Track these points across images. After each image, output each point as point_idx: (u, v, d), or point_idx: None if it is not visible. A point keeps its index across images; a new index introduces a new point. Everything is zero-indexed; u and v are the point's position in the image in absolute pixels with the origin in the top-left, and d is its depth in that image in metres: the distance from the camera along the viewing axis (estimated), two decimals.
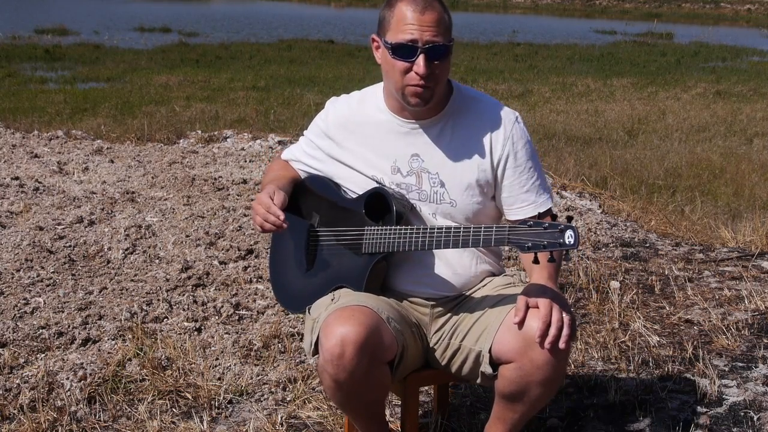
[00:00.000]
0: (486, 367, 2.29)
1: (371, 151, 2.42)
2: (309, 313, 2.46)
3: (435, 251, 2.39)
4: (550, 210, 2.41)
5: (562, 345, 2.13)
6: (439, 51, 2.22)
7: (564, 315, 2.14)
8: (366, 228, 2.36)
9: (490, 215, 2.44)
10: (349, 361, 2.14)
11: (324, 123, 2.51)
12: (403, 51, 2.23)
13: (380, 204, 2.36)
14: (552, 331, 2.12)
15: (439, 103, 2.36)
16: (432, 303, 2.45)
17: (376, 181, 2.41)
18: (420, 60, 2.22)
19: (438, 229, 2.23)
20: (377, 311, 2.25)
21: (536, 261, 2.09)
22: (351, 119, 2.46)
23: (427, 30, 2.21)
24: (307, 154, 2.57)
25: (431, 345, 2.45)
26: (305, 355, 3.36)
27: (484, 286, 2.47)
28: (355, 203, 2.42)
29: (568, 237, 2.03)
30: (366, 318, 2.19)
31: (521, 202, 2.39)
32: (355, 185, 2.44)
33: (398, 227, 2.30)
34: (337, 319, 2.18)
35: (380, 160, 2.41)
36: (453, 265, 2.41)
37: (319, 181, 2.55)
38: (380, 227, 2.33)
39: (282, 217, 2.33)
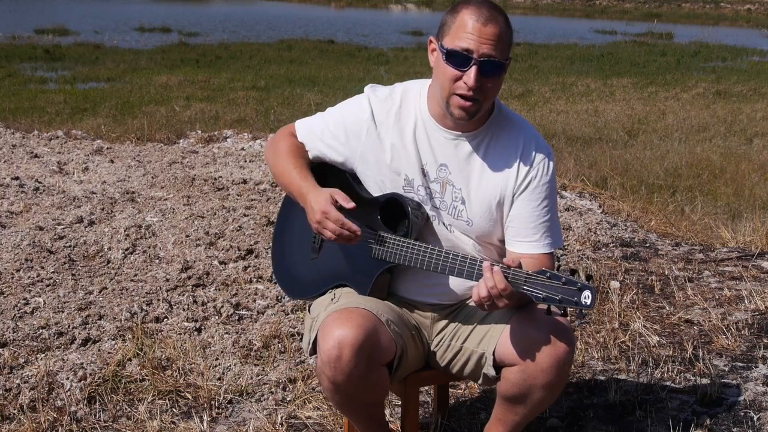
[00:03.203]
0: (489, 369, 2.28)
1: (404, 149, 2.36)
2: (309, 311, 2.46)
3: None
4: (552, 255, 2.35)
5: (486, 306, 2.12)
6: (493, 66, 2.16)
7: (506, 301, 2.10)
8: (379, 233, 2.33)
9: (503, 240, 2.40)
10: (347, 364, 2.14)
11: (368, 110, 2.37)
12: (457, 59, 2.17)
13: (396, 209, 2.33)
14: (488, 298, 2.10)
15: (480, 119, 2.31)
16: (433, 309, 2.45)
17: (405, 179, 2.35)
18: (472, 71, 2.16)
19: (453, 255, 2.21)
20: (376, 313, 2.25)
21: (548, 312, 2.08)
22: (391, 112, 2.37)
23: (486, 43, 2.15)
24: (336, 138, 2.41)
25: (432, 348, 2.45)
26: (304, 354, 3.36)
27: None
28: (371, 204, 2.38)
29: (585, 297, 2.00)
30: (364, 320, 2.18)
31: (522, 237, 2.33)
32: (375, 183, 2.39)
33: (414, 242, 2.27)
34: (335, 321, 2.17)
35: (411, 158, 2.35)
36: (457, 279, 2.33)
37: (335, 170, 2.47)
38: (395, 237, 2.30)
39: (359, 231, 2.24)
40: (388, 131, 2.37)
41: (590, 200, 6.19)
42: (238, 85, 13.07)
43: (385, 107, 2.38)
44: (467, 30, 2.16)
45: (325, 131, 2.43)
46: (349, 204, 2.25)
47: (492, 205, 2.33)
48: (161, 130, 8.63)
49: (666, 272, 4.53)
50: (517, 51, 20.28)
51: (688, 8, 43.19)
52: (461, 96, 2.20)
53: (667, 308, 4.03)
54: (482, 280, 2.11)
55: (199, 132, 8.55)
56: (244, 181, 6.16)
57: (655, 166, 7.49)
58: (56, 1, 34.40)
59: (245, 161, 7.06)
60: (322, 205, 2.26)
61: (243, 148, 7.72)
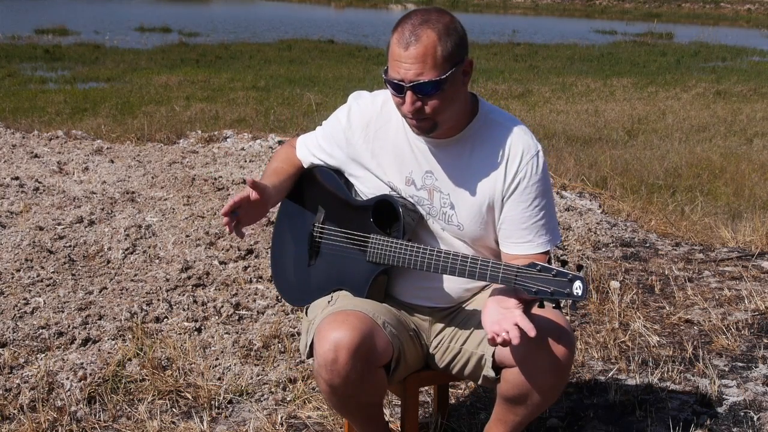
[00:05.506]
0: (489, 371, 2.28)
1: (387, 157, 2.36)
2: (306, 314, 2.46)
3: None
4: (548, 253, 2.32)
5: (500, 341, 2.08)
6: (426, 87, 2.12)
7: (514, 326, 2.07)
8: (372, 236, 2.33)
9: (497, 240, 2.38)
10: (343, 367, 2.13)
11: (346, 119, 2.41)
12: (393, 87, 2.17)
13: (389, 211, 2.33)
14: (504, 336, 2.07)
15: (458, 124, 2.28)
16: (431, 312, 2.44)
17: (391, 188, 2.36)
18: (407, 98, 2.15)
19: (446, 254, 2.20)
20: (372, 316, 2.25)
21: (542, 305, 2.07)
22: (372, 120, 2.38)
23: (411, 68, 2.11)
24: (323, 150, 2.47)
25: (431, 350, 2.45)
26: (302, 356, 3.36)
27: (484, 291, 2.45)
28: (364, 206, 2.38)
29: (576, 288, 1.99)
30: (360, 323, 2.18)
31: (516, 238, 2.30)
32: (368, 188, 2.40)
33: (407, 243, 2.26)
34: (331, 324, 2.17)
35: (395, 168, 2.36)
36: (454, 279, 2.35)
37: (328, 175, 2.49)
38: (388, 239, 2.29)
39: (224, 220, 2.30)
40: (368, 141, 2.37)
41: (590, 200, 6.19)
42: (238, 85, 13.07)
43: (365, 117, 2.39)
44: (395, 58, 2.14)
45: (315, 146, 2.50)
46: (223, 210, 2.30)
47: (482, 209, 2.31)
48: (161, 130, 8.63)
49: (666, 272, 4.53)
50: (517, 51, 20.29)
51: (688, 8, 43.16)
52: (410, 118, 2.20)
53: (667, 308, 4.03)
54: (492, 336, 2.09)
55: (199, 132, 8.55)
56: (244, 181, 6.15)
57: (655, 166, 7.49)
58: (56, 1, 34.39)
59: (245, 161, 7.06)
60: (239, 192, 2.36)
61: (243, 148, 7.72)
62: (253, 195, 2.33)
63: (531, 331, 2.04)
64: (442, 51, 2.12)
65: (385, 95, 2.39)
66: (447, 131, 2.28)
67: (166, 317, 3.72)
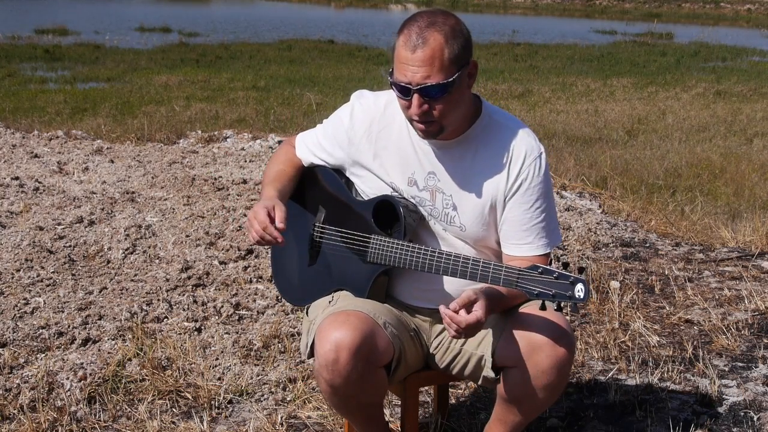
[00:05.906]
0: (489, 372, 2.28)
1: (390, 158, 2.36)
2: (307, 314, 2.46)
3: None
4: (548, 255, 2.33)
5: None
6: (434, 90, 2.12)
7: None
8: (373, 236, 2.33)
9: (498, 241, 2.38)
10: (344, 367, 2.14)
11: (348, 119, 2.40)
12: (400, 90, 2.17)
13: (389, 211, 2.33)
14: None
15: (462, 126, 2.28)
16: (431, 313, 2.44)
17: (393, 188, 2.37)
18: (414, 101, 2.15)
19: (447, 255, 2.20)
20: (373, 316, 2.25)
21: (543, 307, 2.07)
22: (375, 121, 2.37)
23: (419, 71, 2.11)
24: (324, 149, 2.47)
25: (431, 351, 2.45)
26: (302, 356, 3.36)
27: None
28: (364, 207, 2.38)
29: (578, 291, 1.99)
30: (361, 323, 2.18)
31: (517, 239, 2.31)
32: (370, 188, 2.40)
33: (408, 244, 2.26)
34: (332, 324, 2.17)
35: (398, 169, 2.36)
36: (455, 281, 2.34)
37: (329, 175, 2.49)
38: (388, 239, 2.29)
39: (281, 239, 2.26)
40: (371, 142, 2.37)
41: (590, 200, 6.19)
42: (238, 85, 13.07)
43: (368, 117, 2.38)
44: (401, 61, 2.14)
45: (316, 145, 2.49)
46: (280, 224, 2.27)
47: (484, 210, 2.32)
48: (161, 130, 8.63)
49: (666, 272, 4.53)
50: (517, 51, 20.28)
51: (688, 8, 43.16)
52: (416, 121, 2.20)
53: (667, 308, 4.03)
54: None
55: (199, 132, 8.55)
56: (244, 181, 6.16)
57: (655, 166, 7.49)
58: (56, 1, 34.38)
59: (245, 161, 7.06)
60: (257, 209, 2.29)
61: (243, 148, 7.72)
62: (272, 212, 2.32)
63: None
64: (449, 54, 2.13)
65: (389, 96, 2.39)
66: (451, 133, 2.28)
67: (166, 317, 3.72)
